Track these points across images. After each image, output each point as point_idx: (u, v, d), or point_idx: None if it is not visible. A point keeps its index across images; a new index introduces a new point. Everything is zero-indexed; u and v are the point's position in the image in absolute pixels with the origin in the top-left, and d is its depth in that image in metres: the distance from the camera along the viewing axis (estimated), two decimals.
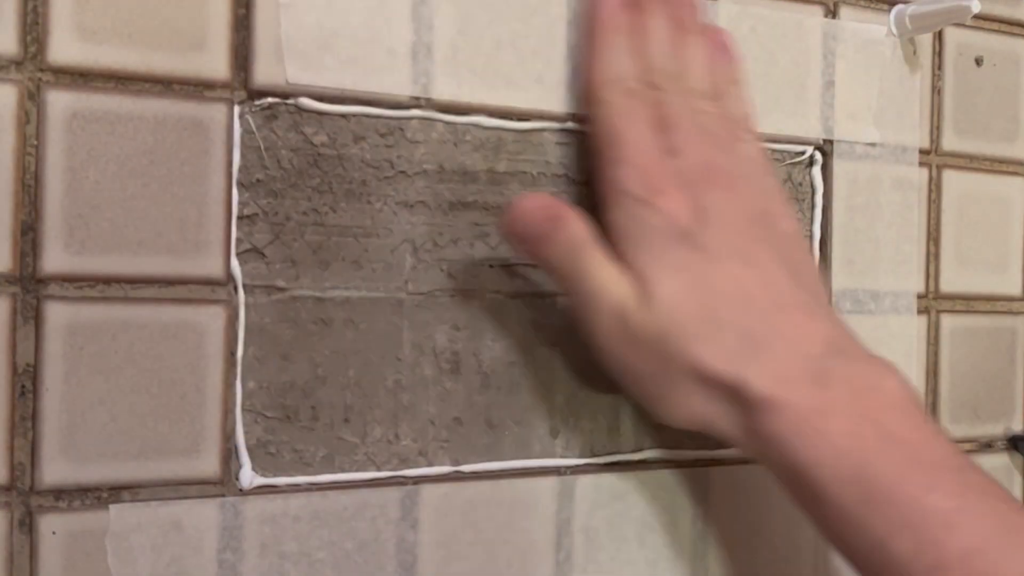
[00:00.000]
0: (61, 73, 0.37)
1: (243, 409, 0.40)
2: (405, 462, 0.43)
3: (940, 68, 0.57)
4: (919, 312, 0.56)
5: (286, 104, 0.41)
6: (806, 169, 0.53)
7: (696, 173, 0.41)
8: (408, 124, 0.43)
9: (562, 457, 0.47)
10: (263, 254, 0.41)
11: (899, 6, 0.54)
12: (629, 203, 0.40)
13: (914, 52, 0.55)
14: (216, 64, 0.40)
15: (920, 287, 0.56)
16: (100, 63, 0.38)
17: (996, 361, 0.59)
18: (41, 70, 0.37)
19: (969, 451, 0.58)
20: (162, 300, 0.39)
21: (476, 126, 0.45)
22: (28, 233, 0.37)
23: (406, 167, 0.43)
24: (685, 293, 0.38)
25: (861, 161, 0.53)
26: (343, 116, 0.42)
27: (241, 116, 0.40)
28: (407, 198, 0.43)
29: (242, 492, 0.40)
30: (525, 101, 0.45)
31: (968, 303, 0.58)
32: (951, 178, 0.58)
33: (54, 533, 0.37)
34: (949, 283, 0.57)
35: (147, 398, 0.38)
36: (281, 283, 0.41)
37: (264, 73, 0.40)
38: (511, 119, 0.45)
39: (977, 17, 0.52)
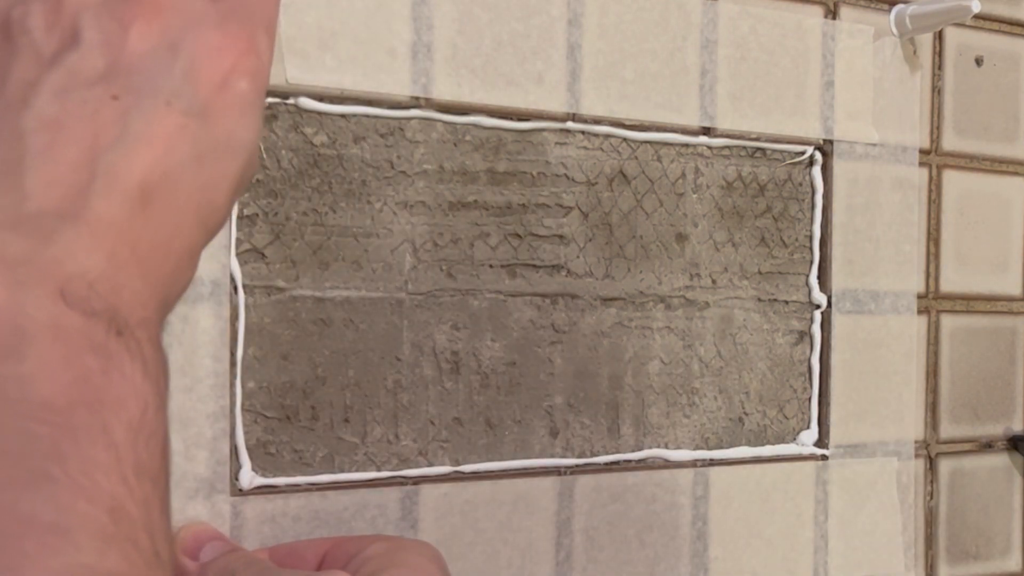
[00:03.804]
0: None
1: (243, 409, 0.40)
2: (405, 462, 0.43)
3: (940, 68, 0.57)
4: (919, 312, 0.56)
5: (286, 104, 0.41)
6: (806, 169, 0.53)
7: None
8: (408, 124, 0.43)
9: (562, 457, 0.47)
10: (263, 254, 0.41)
11: (899, 6, 0.54)
12: None
13: (914, 52, 0.55)
14: None
15: (920, 287, 0.56)
16: None
17: (996, 361, 0.59)
18: None
19: (969, 451, 0.58)
20: None
21: (476, 126, 0.45)
22: None
23: (406, 167, 0.43)
24: None
25: (861, 161, 0.53)
26: (343, 116, 0.42)
27: None
28: (407, 198, 0.43)
29: (242, 492, 0.40)
30: (525, 101, 0.45)
31: (968, 303, 0.58)
32: (951, 178, 0.58)
33: None
34: (949, 283, 0.57)
35: None
36: (281, 283, 0.41)
37: None
38: (511, 119, 0.45)
39: (977, 17, 0.52)
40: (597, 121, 0.47)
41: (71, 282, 0.25)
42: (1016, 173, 0.60)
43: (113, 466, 0.24)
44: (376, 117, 0.43)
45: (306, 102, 0.41)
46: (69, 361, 0.24)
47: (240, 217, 0.40)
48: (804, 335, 0.53)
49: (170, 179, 0.28)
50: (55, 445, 0.23)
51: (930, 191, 0.57)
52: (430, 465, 0.44)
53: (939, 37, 0.57)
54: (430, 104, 0.43)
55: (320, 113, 0.41)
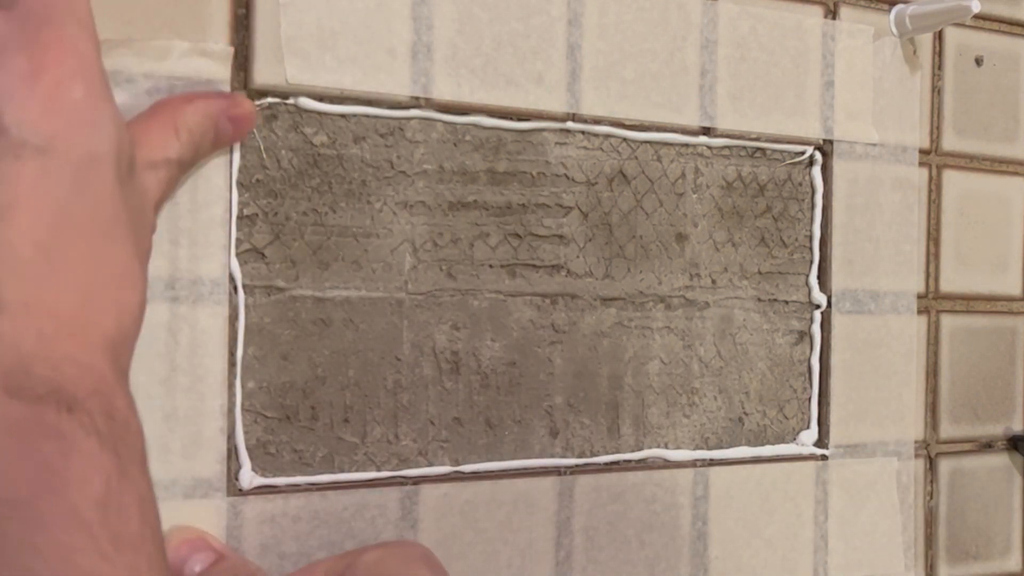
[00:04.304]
0: None
1: (243, 409, 0.40)
2: (405, 462, 0.43)
3: (940, 68, 0.57)
4: (919, 312, 0.56)
5: (286, 104, 0.41)
6: (806, 169, 0.53)
7: None
8: (408, 124, 0.43)
9: (562, 457, 0.47)
10: (263, 254, 0.41)
11: (899, 6, 0.54)
12: None
13: (914, 52, 0.55)
14: (216, 64, 0.40)
15: (920, 287, 0.56)
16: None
17: (996, 361, 0.59)
18: None
19: (969, 451, 0.58)
20: (162, 301, 0.39)
21: (476, 126, 0.45)
22: None
23: (406, 167, 0.43)
24: None
25: (861, 161, 0.53)
26: (343, 116, 0.42)
27: None
28: (407, 198, 0.43)
29: (242, 492, 0.40)
30: (525, 101, 0.45)
31: (968, 303, 0.58)
32: (951, 178, 0.58)
33: None
34: (949, 283, 0.57)
35: (145, 398, 0.38)
36: (281, 283, 0.41)
37: (264, 73, 0.40)
38: (511, 119, 0.45)
39: (977, 17, 0.52)
40: (597, 121, 0.47)
41: (9, 375, 0.24)
42: (1016, 173, 0.60)
43: (89, 545, 0.23)
44: (376, 117, 0.43)
45: (306, 102, 0.41)
46: (25, 452, 0.24)
47: (240, 217, 0.40)
48: (804, 335, 0.53)
49: (58, 224, 0.26)
50: (27, 538, 0.23)
51: (930, 191, 0.57)
52: (430, 465, 0.44)
53: (939, 37, 0.57)
54: (430, 104, 0.43)
55: (320, 113, 0.41)
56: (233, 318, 0.40)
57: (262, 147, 0.41)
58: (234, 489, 0.40)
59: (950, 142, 0.57)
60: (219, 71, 0.39)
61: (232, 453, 0.40)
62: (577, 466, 0.47)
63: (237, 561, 0.37)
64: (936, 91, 0.57)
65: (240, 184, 0.40)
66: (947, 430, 0.57)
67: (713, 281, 0.50)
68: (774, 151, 0.52)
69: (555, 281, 0.46)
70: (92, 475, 0.24)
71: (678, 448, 0.49)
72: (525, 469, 0.45)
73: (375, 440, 0.43)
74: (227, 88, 0.39)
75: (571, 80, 0.46)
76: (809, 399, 0.53)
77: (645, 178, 0.48)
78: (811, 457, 0.52)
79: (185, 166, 0.35)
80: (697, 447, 0.50)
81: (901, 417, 0.55)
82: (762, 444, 0.52)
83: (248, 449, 0.40)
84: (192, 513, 0.39)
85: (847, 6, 0.53)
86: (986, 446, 0.59)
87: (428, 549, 0.37)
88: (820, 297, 0.53)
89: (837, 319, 0.53)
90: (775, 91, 0.51)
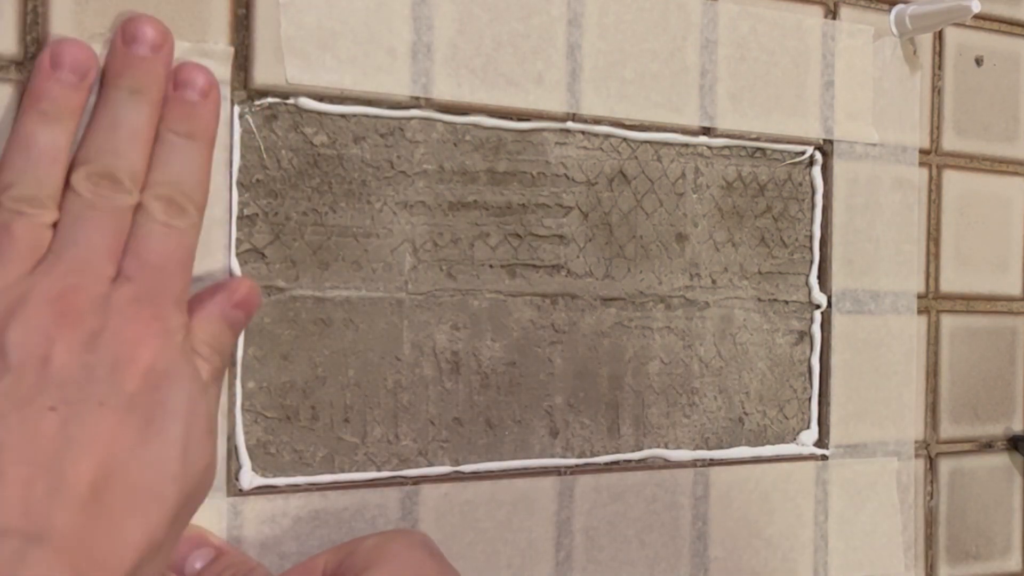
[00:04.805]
0: None
1: (243, 409, 0.40)
2: (405, 462, 0.43)
3: (940, 68, 0.57)
4: (919, 312, 0.56)
5: (286, 104, 0.41)
6: (806, 169, 0.53)
7: None
8: (408, 124, 0.43)
9: (562, 457, 0.47)
10: (263, 254, 0.41)
11: (899, 6, 0.54)
12: None
13: (914, 52, 0.55)
14: (216, 64, 0.40)
15: (920, 287, 0.56)
16: (99, 64, 0.38)
17: (996, 361, 0.59)
18: None
19: (969, 451, 0.58)
20: None
21: (476, 126, 0.45)
22: None
23: (406, 167, 0.43)
24: None
25: (861, 161, 0.53)
26: (343, 116, 0.42)
27: (241, 116, 0.40)
28: (407, 198, 0.43)
29: (242, 492, 0.40)
30: (525, 101, 0.45)
31: (968, 303, 0.58)
32: (951, 178, 0.58)
33: None
34: (949, 283, 0.57)
35: None
36: (281, 283, 0.41)
37: (264, 73, 0.40)
38: (511, 119, 0.45)
39: (977, 17, 0.52)
40: (597, 121, 0.47)
41: None
42: (1016, 173, 0.60)
43: None
44: (376, 117, 0.43)
45: (306, 102, 0.41)
46: None
47: (240, 217, 0.40)
48: (804, 335, 0.53)
49: (116, 475, 0.29)
50: None
51: (930, 191, 0.57)
52: (430, 465, 0.44)
53: (939, 37, 0.57)
54: (430, 104, 0.43)
55: (320, 113, 0.41)
56: None
57: (262, 147, 0.41)
58: (234, 489, 0.40)
59: (950, 142, 0.58)
60: (219, 71, 0.39)
61: (232, 453, 0.40)
62: (577, 466, 0.47)
63: (237, 557, 0.37)
64: (936, 91, 0.57)
65: (240, 184, 0.40)
66: (947, 430, 0.58)
67: (713, 281, 0.50)
68: (774, 151, 0.52)
69: (555, 281, 0.46)
70: None
71: (678, 448, 0.49)
72: (525, 469, 0.45)
73: (375, 440, 0.43)
74: (227, 88, 0.39)
75: (571, 80, 0.46)
76: (809, 399, 0.53)
77: (645, 178, 0.48)
78: (811, 457, 0.52)
79: (219, 381, 0.36)
80: (697, 447, 0.50)
81: (901, 417, 0.55)
82: (762, 444, 0.52)
83: (248, 449, 0.40)
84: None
85: (847, 6, 0.53)
86: (986, 446, 0.59)
87: (427, 536, 0.37)
88: (820, 297, 0.53)
89: (837, 319, 0.53)
90: (775, 91, 0.51)
